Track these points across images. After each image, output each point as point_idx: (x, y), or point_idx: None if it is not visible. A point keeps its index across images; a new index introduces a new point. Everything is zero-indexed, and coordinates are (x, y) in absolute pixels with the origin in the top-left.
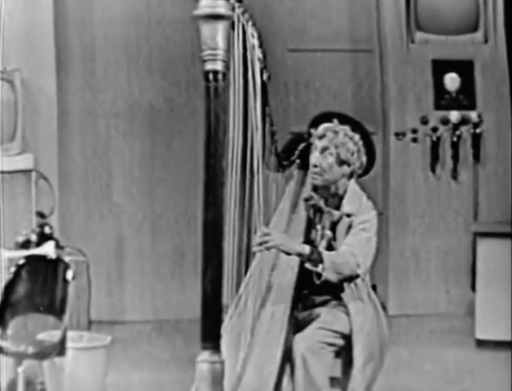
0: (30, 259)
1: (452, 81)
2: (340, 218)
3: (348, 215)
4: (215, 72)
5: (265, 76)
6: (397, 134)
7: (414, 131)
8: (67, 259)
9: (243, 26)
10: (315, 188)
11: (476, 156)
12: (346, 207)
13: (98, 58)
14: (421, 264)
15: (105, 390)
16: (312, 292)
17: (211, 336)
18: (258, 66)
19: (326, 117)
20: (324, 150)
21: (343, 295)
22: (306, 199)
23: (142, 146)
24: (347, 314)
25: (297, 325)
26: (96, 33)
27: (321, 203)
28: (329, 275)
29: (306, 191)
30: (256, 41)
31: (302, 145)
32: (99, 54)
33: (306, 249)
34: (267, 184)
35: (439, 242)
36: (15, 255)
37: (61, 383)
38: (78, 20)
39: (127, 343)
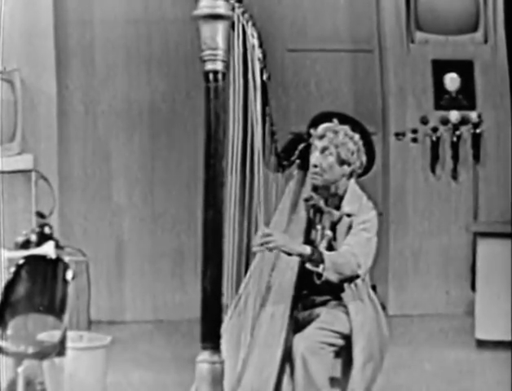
0: (30, 259)
1: (452, 81)
2: (340, 218)
3: (348, 215)
4: (215, 72)
5: (265, 76)
6: (397, 134)
7: (414, 131)
8: (67, 259)
9: (243, 26)
10: (315, 188)
11: (476, 156)
12: (346, 207)
13: (98, 58)
14: (421, 264)
15: (105, 390)
16: (312, 292)
17: (211, 336)
18: (257, 66)
19: (325, 117)
20: (324, 150)
21: (343, 295)
22: (306, 200)
23: (142, 146)
24: (347, 314)
25: (297, 325)
26: (96, 33)
27: (321, 203)
28: (330, 276)
29: (306, 191)
30: (256, 41)
31: (302, 145)
32: (99, 54)
33: (307, 250)
34: (267, 184)
35: (439, 242)
36: (14, 255)
37: (61, 383)
38: (78, 20)
39: (127, 343)
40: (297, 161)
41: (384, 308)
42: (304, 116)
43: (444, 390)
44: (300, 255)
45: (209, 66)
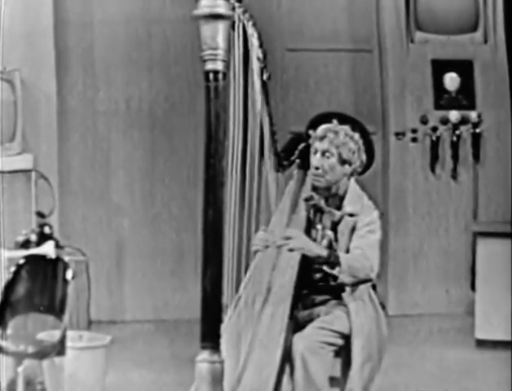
0: (30, 259)
1: (451, 80)
2: (341, 218)
3: (351, 215)
4: (215, 72)
5: (265, 76)
6: (397, 134)
7: (414, 131)
8: (66, 259)
9: (243, 26)
10: (315, 188)
11: (476, 156)
12: (347, 207)
13: (98, 58)
14: (421, 263)
15: (105, 390)
16: (312, 291)
17: (211, 336)
18: (258, 66)
19: (324, 118)
20: (325, 151)
21: (343, 295)
22: (307, 199)
23: (142, 146)
24: (347, 313)
25: (296, 324)
26: (96, 33)
27: (322, 203)
28: (345, 278)
29: (306, 191)
30: (256, 41)
31: (302, 145)
32: (99, 54)
33: (325, 252)
34: (267, 184)
35: (439, 242)
36: (15, 255)
37: (61, 383)
38: (78, 20)
39: (127, 343)
40: (297, 161)
41: (384, 308)
42: (304, 116)
43: (444, 390)
44: (317, 257)
45: (209, 66)
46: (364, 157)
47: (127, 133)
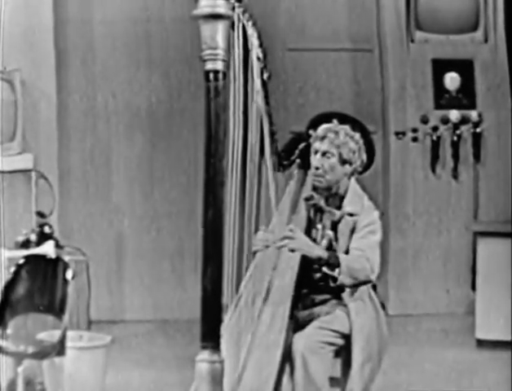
0: (30, 259)
1: (452, 80)
2: (341, 218)
3: (350, 214)
4: (215, 72)
5: (265, 76)
6: (397, 134)
7: (414, 130)
8: (66, 258)
9: (243, 26)
10: (315, 187)
11: (476, 156)
12: (347, 206)
13: (98, 57)
14: (421, 263)
15: (105, 390)
16: (312, 291)
17: (211, 336)
18: (257, 65)
19: (324, 118)
20: (325, 152)
21: (343, 294)
22: (307, 199)
23: (142, 145)
24: (347, 313)
25: (296, 324)
26: (96, 33)
27: (322, 202)
28: (345, 280)
29: (307, 191)
30: (256, 41)
31: (303, 145)
32: (99, 53)
33: (325, 253)
34: (268, 183)
35: (439, 241)
36: (15, 255)
37: (61, 383)
38: (78, 20)
39: (127, 342)
40: (298, 161)
41: (384, 307)
42: (304, 116)
43: (444, 390)
44: (318, 258)
45: (209, 65)
46: (364, 157)
47: (127, 133)
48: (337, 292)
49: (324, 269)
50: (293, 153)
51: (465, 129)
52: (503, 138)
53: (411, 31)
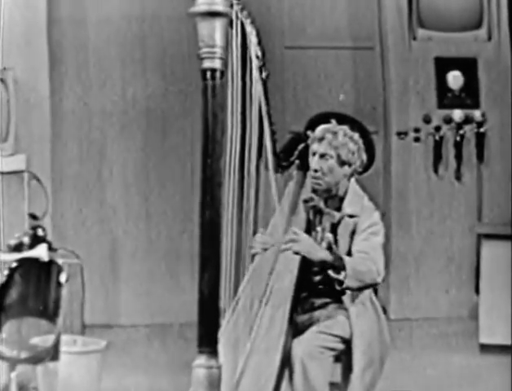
0: (23, 262)
1: (455, 79)
2: (341, 219)
3: (350, 216)
4: (213, 70)
5: (264, 74)
6: (399, 134)
7: (416, 130)
8: (60, 261)
9: (241, 23)
10: (314, 189)
11: (480, 156)
12: (347, 208)
13: (92, 56)
14: (424, 266)
15: None
16: (312, 294)
17: (208, 341)
18: (256, 64)
19: (322, 118)
20: (323, 154)
21: (344, 298)
22: (306, 201)
23: (137, 145)
24: (348, 317)
25: (296, 329)
26: (90, 31)
27: (321, 204)
28: (351, 283)
29: (306, 192)
30: (254, 39)
31: (302, 145)
32: (93, 52)
33: (330, 256)
34: (266, 185)
35: (442, 244)
36: (7, 258)
37: (55, 388)
38: (71, 18)
39: (122, 347)
40: (297, 162)
41: (385, 311)
42: (303, 115)
43: None
44: (322, 261)
45: (206, 64)
46: (364, 157)
47: (122, 133)
48: (337, 296)
49: (330, 272)
50: (292, 154)
51: (468, 129)
52: (507, 139)
53: (413, 28)
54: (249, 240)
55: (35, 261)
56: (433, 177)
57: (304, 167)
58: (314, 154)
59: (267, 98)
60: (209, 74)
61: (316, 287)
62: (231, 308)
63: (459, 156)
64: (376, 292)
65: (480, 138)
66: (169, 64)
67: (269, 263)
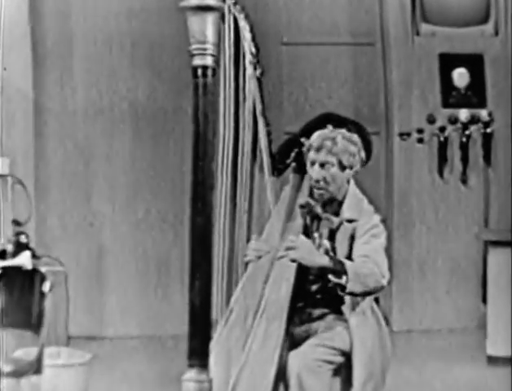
0: (6, 270)
1: (460, 76)
2: (340, 225)
3: (349, 221)
4: (204, 68)
5: (258, 72)
6: (401, 135)
7: (420, 131)
8: (44, 269)
9: (234, 18)
10: (311, 193)
11: (487, 158)
12: (346, 212)
13: (77, 54)
14: (428, 275)
15: None
16: (309, 304)
17: (199, 353)
18: (250, 61)
19: (316, 123)
20: (324, 163)
21: (343, 308)
22: (302, 206)
23: (124, 147)
24: (347, 328)
25: (292, 341)
26: (74, 27)
27: (318, 209)
28: (354, 287)
29: (303, 197)
30: (248, 35)
31: (298, 147)
32: (78, 50)
33: (329, 261)
34: (261, 189)
35: (447, 251)
36: None
37: None
38: (55, 13)
39: (108, 360)
40: (293, 164)
41: (387, 323)
42: (300, 115)
43: None
44: (322, 268)
45: (197, 61)
46: (363, 155)
47: (109, 133)
48: (336, 306)
49: (331, 277)
50: (288, 156)
51: (474, 130)
52: None
53: (416, 23)
54: (242, 247)
55: (18, 269)
56: (437, 181)
57: (301, 170)
58: (313, 163)
59: (261, 97)
60: (200, 72)
61: (314, 296)
62: (224, 319)
63: (465, 159)
64: (377, 301)
65: (487, 139)
66: (159, 61)
67: (264, 271)
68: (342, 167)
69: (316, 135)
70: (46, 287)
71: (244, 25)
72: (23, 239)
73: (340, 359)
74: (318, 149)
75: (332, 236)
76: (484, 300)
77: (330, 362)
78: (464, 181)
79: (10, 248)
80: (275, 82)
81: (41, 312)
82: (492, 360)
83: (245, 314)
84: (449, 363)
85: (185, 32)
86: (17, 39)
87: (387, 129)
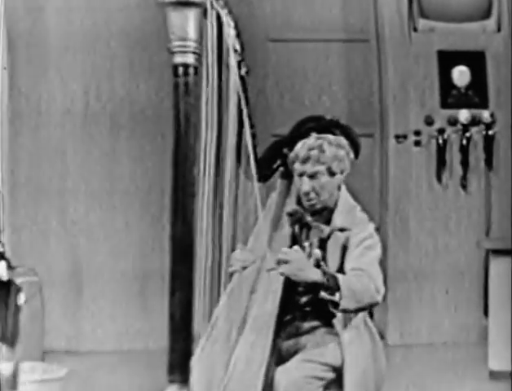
0: None
1: (460, 75)
2: (331, 234)
3: (341, 230)
4: (185, 66)
5: (243, 71)
6: (397, 137)
7: (417, 133)
8: (19, 281)
9: (217, 13)
10: (299, 201)
11: (488, 162)
12: (337, 220)
13: (51, 51)
14: (425, 286)
15: None
16: (298, 317)
17: (179, 369)
18: (234, 59)
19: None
20: (314, 173)
21: (335, 322)
22: (291, 214)
23: (101, 151)
24: (339, 343)
25: (279, 356)
26: (48, 21)
27: (308, 217)
28: (348, 304)
29: (291, 204)
30: (232, 31)
31: (286, 150)
32: (52, 46)
33: (322, 277)
34: (246, 195)
35: (446, 260)
36: None
37: None
38: (27, 7)
39: (85, 375)
40: (281, 169)
41: (382, 336)
42: (289, 117)
43: None
44: (314, 283)
45: (178, 59)
46: (352, 156)
47: (84, 136)
48: (326, 319)
49: (323, 294)
50: (275, 160)
51: (475, 132)
52: None
53: (413, 18)
54: (226, 257)
55: None
56: (435, 186)
57: (289, 175)
58: (301, 175)
59: (246, 98)
60: (181, 70)
61: (303, 309)
62: (207, 333)
63: (465, 162)
64: (371, 314)
65: (489, 142)
66: (137, 59)
67: (249, 283)
68: (332, 173)
69: (300, 146)
70: (21, 299)
71: (227, 21)
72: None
73: (331, 375)
74: (305, 160)
75: (322, 245)
76: (486, 312)
77: (320, 379)
78: (464, 186)
79: None
80: (262, 81)
81: (17, 325)
82: (495, 375)
83: (229, 327)
84: (448, 379)
85: (165, 29)
86: None
87: (382, 131)
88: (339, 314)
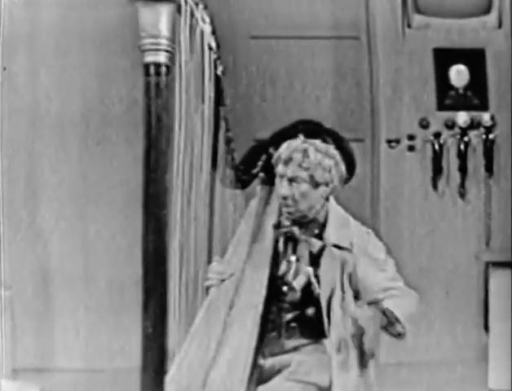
0: None
1: (458, 74)
2: (322, 249)
3: (337, 246)
4: (157, 65)
5: (219, 70)
6: (390, 142)
7: (411, 137)
8: None
9: (191, 9)
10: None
11: (488, 168)
12: (332, 236)
13: (20, 47)
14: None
15: None
16: (282, 334)
17: (153, 388)
18: (210, 57)
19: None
20: (293, 177)
21: (326, 342)
22: (276, 227)
23: (72, 156)
24: (328, 363)
25: (261, 375)
26: (17, 18)
27: (296, 230)
28: (407, 327)
29: (272, 212)
30: (208, 27)
31: (267, 155)
32: (21, 42)
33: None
34: (223, 204)
35: (443, 273)
36: None
37: None
38: None
39: None
40: (261, 175)
41: (373, 354)
42: (271, 120)
43: None
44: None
45: (149, 57)
46: (343, 169)
47: (55, 142)
48: (314, 336)
49: (391, 333)
50: (254, 166)
51: (474, 136)
52: None
53: (408, 14)
54: (202, 270)
55: None
56: (431, 194)
57: (270, 181)
58: (281, 177)
59: (223, 99)
60: (152, 69)
61: (288, 325)
62: (182, 350)
63: (463, 169)
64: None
65: (489, 147)
66: (108, 59)
67: (227, 297)
68: (315, 184)
69: (285, 146)
70: None
71: (202, 17)
72: None
73: None
74: (286, 162)
75: (314, 262)
76: (486, 327)
77: None
78: (462, 194)
79: None
80: (241, 81)
81: None
82: None
83: (207, 344)
84: None
85: (136, 26)
86: None
87: (373, 135)
88: (333, 336)
